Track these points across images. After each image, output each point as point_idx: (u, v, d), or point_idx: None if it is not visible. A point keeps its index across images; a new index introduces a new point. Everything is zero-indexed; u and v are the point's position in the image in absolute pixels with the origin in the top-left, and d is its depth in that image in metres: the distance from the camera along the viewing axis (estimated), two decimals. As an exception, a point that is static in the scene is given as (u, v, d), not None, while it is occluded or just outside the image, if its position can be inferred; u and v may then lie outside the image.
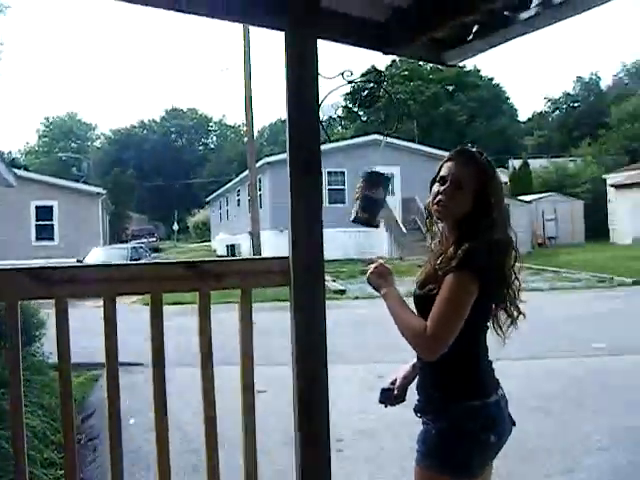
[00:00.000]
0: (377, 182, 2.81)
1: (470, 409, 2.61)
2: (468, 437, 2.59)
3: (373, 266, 2.79)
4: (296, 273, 2.53)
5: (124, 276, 2.60)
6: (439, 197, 2.70)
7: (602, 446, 6.24)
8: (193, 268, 2.58)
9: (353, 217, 2.86)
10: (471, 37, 3.03)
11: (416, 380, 2.86)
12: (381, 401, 3.01)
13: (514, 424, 2.78)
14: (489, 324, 2.75)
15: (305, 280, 2.54)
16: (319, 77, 2.60)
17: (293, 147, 2.53)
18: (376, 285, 2.78)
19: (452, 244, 2.63)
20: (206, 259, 2.91)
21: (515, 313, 2.74)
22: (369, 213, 2.82)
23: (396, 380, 3.01)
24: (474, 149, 2.77)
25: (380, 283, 2.76)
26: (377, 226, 2.86)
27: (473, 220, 2.63)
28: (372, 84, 2.74)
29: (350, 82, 2.67)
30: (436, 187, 2.74)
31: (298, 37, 2.57)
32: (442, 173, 2.74)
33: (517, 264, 2.72)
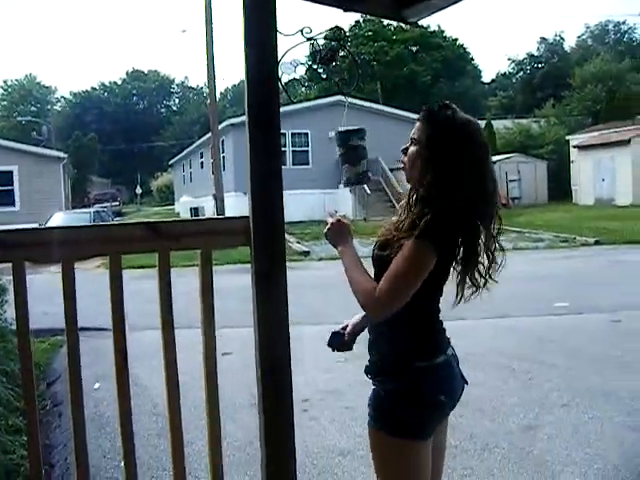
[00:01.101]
0: (353, 136, 2.77)
1: (418, 370, 2.57)
2: (417, 399, 2.55)
3: (331, 221, 2.71)
4: (256, 232, 2.50)
5: (82, 238, 2.56)
6: (401, 160, 2.67)
7: (563, 403, 6.33)
8: (152, 229, 2.54)
9: (345, 179, 2.84)
10: (432, -7, 2.99)
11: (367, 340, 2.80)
12: (329, 344, 2.98)
13: (466, 382, 2.77)
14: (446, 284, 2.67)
15: (265, 239, 2.51)
16: (278, 34, 2.55)
17: (252, 104, 2.49)
18: (333, 242, 2.71)
19: (415, 209, 2.55)
20: (165, 220, 2.88)
21: (482, 282, 2.66)
22: (360, 170, 2.79)
23: (347, 326, 2.96)
24: (443, 105, 2.60)
25: (337, 240, 2.69)
26: (369, 180, 2.81)
27: (438, 183, 2.48)
28: (332, 41, 2.68)
29: (309, 39, 2.62)
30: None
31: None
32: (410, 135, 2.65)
33: (494, 228, 2.62)
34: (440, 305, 2.72)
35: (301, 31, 2.63)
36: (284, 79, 2.65)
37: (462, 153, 2.49)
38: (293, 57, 2.66)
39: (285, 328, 2.58)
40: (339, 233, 2.71)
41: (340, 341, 2.93)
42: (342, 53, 2.89)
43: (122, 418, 2.59)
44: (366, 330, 2.81)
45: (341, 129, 2.81)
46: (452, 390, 2.67)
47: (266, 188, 2.52)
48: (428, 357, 2.60)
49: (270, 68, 2.52)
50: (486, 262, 2.63)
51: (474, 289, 2.65)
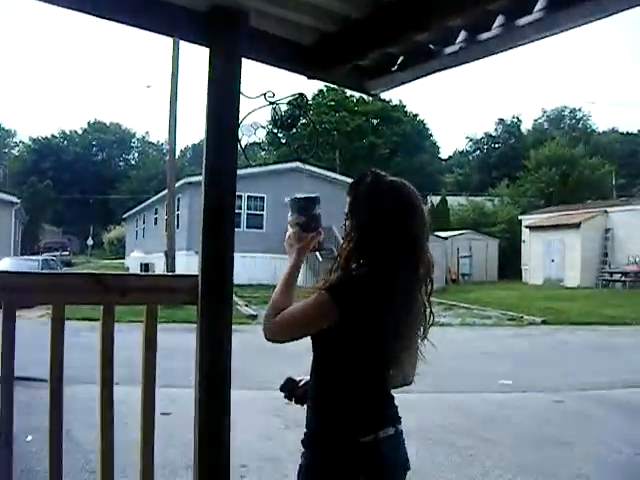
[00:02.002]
0: (302, 206, 2.75)
1: (340, 449, 2.46)
2: (334, 478, 2.47)
3: (290, 232, 2.68)
4: (204, 292, 2.47)
5: (26, 285, 2.50)
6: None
7: (503, 481, 6.31)
8: (99, 281, 2.50)
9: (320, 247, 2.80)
10: (395, 68, 3.05)
11: None
12: (281, 388, 2.81)
13: (408, 468, 2.63)
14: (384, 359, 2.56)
15: (213, 300, 2.49)
16: (241, 97, 2.56)
17: (209, 164, 2.49)
18: (288, 251, 2.68)
19: (333, 269, 2.56)
20: (112, 272, 2.84)
21: (409, 361, 2.61)
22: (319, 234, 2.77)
23: (304, 382, 2.78)
24: (367, 172, 2.59)
25: (293, 250, 2.65)
26: (323, 247, 2.77)
27: (358, 244, 2.49)
28: (294, 107, 2.70)
29: (272, 103, 2.64)
30: None
31: (222, 53, 2.53)
32: None
33: (420, 294, 2.54)
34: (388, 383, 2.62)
35: (264, 95, 2.65)
36: (243, 141, 2.66)
37: (379, 212, 2.47)
38: (254, 120, 2.67)
39: (227, 390, 2.54)
40: (299, 241, 2.65)
41: (291, 388, 2.81)
42: (303, 120, 2.90)
43: (52, 473, 2.51)
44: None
45: (299, 196, 2.78)
46: (377, 472, 2.51)
47: (217, 249, 2.51)
48: (353, 437, 2.47)
49: (231, 130, 2.54)
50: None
51: (396, 372, 2.60)
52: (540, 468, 6.69)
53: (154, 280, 2.90)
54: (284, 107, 2.75)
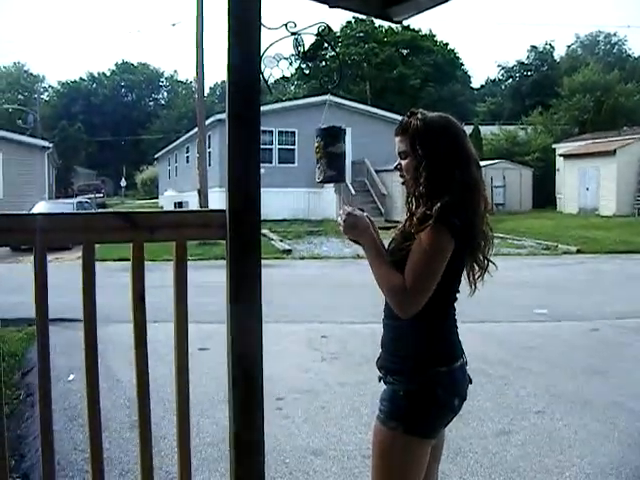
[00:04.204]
0: (336, 136, 2.74)
1: (440, 375, 2.65)
2: (436, 402, 2.65)
3: (341, 220, 2.74)
4: (232, 226, 2.46)
5: (56, 226, 2.51)
6: (400, 175, 2.77)
7: (538, 409, 6.33)
8: (128, 219, 2.51)
9: (321, 178, 2.79)
10: (419, -8, 2.97)
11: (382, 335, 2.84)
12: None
13: (471, 382, 2.84)
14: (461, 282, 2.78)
15: (241, 234, 2.48)
16: (262, 28, 2.52)
17: (233, 98, 2.46)
18: (353, 237, 2.75)
19: (420, 206, 2.63)
20: (141, 210, 2.84)
21: (485, 262, 2.81)
22: (336, 169, 2.76)
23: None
24: (410, 114, 2.75)
25: (357, 235, 2.73)
26: (344, 180, 2.78)
27: (432, 177, 2.60)
28: (316, 37, 2.66)
29: (293, 34, 2.60)
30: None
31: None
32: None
33: (485, 204, 2.73)
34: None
35: (285, 25, 2.60)
36: (266, 73, 2.63)
37: (442, 145, 2.63)
38: (276, 52, 2.63)
39: (258, 324, 2.55)
40: (354, 227, 2.72)
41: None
42: (330, 53, 2.86)
43: (90, 411, 2.55)
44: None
45: (323, 126, 2.77)
46: (464, 393, 2.77)
47: (244, 183, 2.49)
48: (447, 362, 2.70)
49: (253, 62, 2.50)
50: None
51: (480, 274, 2.81)
52: (574, 396, 6.73)
53: (182, 216, 2.89)
54: (307, 38, 2.71)
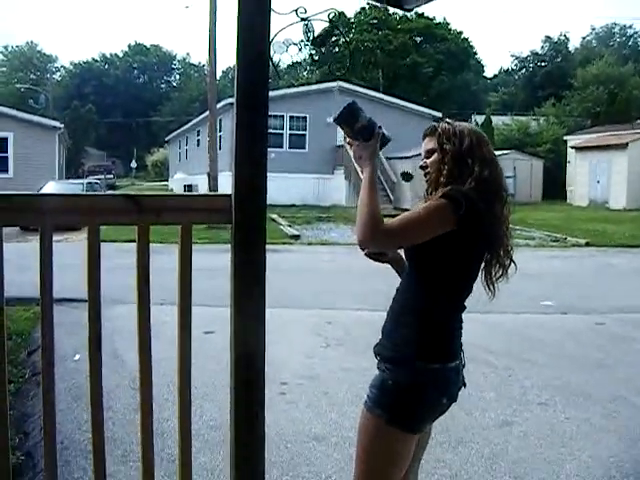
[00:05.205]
0: (353, 113, 2.70)
1: (433, 371, 2.67)
2: (424, 397, 2.66)
3: (354, 148, 2.73)
4: (238, 211, 2.47)
5: (60, 207, 2.52)
6: (423, 172, 2.85)
7: (541, 401, 6.34)
8: (132, 201, 2.51)
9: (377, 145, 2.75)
10: (431, -19, 2.96)
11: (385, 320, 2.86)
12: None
13: (464, 385, 2.86)
14: (475, 280, 2.81)
15: (247, 219, 2.48)
16: (272, 13, 2.51)
17: (241, 83, 2.45)
18: (359, 162, 2.73)
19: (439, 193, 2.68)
20: (146, 193, 2.84)
21: (507, 262, 2.81)
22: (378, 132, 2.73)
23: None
24: (439, 119, 2.93)
25: (359, 164, 2.73)
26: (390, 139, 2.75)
27: (456, 172, 2.69)
28: (327, 23, 2.65)
29: (303, 19, 2.59)
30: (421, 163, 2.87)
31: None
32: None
33: (507, 209, 2.78)
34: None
35: (295, 11, 2.60)
36: (275, 59, 2.63)
37: (467, 143, 2.73)
38: (285, 37, 2.63)
39: (262, 310, 2.55)
40: (360, 157, 2.72)
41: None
42: (335, 38, 2.85)
43: (93, 392, 2.57)
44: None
45: (338, 112, 2.73)
46: (454, 394, 2.79)
47: (251, 168, 2.49)
48: (442, 360, 2.71)
49: (262, 47, 2.49)
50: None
51: (501, 273, 2.82)
52: (578, 389, 6.73)
53: (189, 200, 2.90)
54: (318, 24, 2.70)
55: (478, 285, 2.84)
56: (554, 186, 40.94)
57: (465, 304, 2.82)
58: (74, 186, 27.72)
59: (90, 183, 30.22)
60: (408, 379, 2.65)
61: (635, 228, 24.44)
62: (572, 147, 41.37)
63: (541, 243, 21.42)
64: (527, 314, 10.52)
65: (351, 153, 2.76)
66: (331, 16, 2.63)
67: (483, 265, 2.79)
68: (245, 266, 2.51)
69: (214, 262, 8.24)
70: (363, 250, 2.78)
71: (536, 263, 15.95)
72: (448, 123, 2.81)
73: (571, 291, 12.89)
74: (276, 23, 2.53)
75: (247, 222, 2.48)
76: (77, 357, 6.86)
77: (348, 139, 2.75)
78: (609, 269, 16.29)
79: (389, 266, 3.02)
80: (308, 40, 2.67)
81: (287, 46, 2.64)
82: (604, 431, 5.60)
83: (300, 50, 3.05)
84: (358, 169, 2.77)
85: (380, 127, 2.72)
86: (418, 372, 2.65)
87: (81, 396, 5.95)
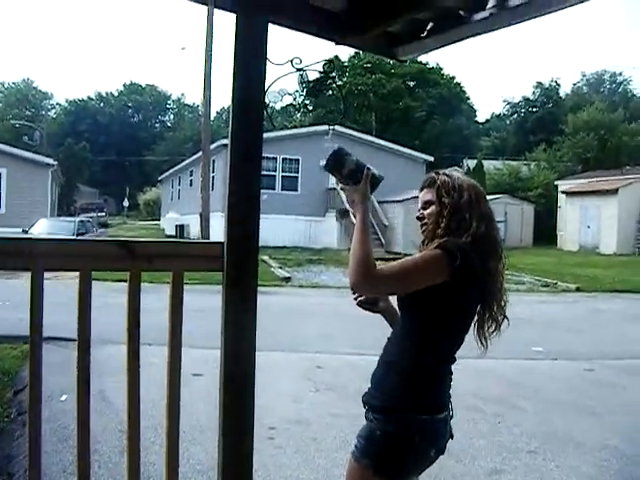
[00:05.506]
0: (339, 159, 2.71)
1: (421, 422, 2.65)
2: (412, 448, 2.64)
3: (346, 193, 2.72)
4: (229, 259, 2.48)
5: (54, 251, 2.53)
6: (419, 223, 2.86)
7: (531, 449, 6.30)
8: (126, 248, 2.52)
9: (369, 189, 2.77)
10: (425, 34, 3.01)
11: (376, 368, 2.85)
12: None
13: (452, 437, 2.84)
14: (467, 332, 2.82)
15: (238, 267, 2.50)
16: (268, 63, 2.55)
17: (235, 130, 2.49)
18: (353, 209, 2.71)
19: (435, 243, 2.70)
20: (139, 239, 2.86)
21: (500, 317, 2.83)
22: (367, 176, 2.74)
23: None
24: (437, 172, 2.91)
25: (352, 207, 2.71)
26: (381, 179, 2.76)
27: (454, 225, 2.71)
28: (321, 73, 2.69)
29: (299, 70, 2.63)
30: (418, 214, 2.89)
31: (248, 18, 2.52)
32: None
33: (502, 265, 2.80)
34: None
35: (291, 61, 2.64)
36: (271, 106, 2.66)
37: (466, 198, 2.76)
38: (280, 87, 2.66)
39: (252, 353, 2.56)
40: (352, 201, 2.71)
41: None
42: (329, 83, 2.89)
43: (80, 433, 2.56)
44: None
45: (325, 159, 2.74)
46: (442, 446, 2.77)
47: (243, 216, 2.51)
48: (431, 411, 2.70)
49: (257, 96, 2.53)
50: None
51: (494, 328, 2.83)
52: (568, 437, 6.69)
53: (180, 247, 2.91)
54: (312, 74, 2.74)
55: (471, 331, 2.86)
56: (545, 231, 41.14)
57: (455, 356, 2.82)
58: (66, 224, 27.63)
59: (82, 221, 30.12)
60: (397, 430, 2.64)
61: (625, 273, 24.53)
62: (563, 192, 41.64)
63: (531, 288, 21.44)
64: (517, 360, 10.50)
65: (344, 198, 2.77)
66: (325, 67, 2.67)
67: (476, 319, 2.80)
68: (235, 310, 2.52)
69: (204, 303, 8.23)
70: (355, 295, 2.80)
71: (526, 308, 15.95)
72: (447, 175, 2.83)
73: (561, 337, 12.90)
74: (272, 73, 2.57)
75: (239, 268, 2.49)
76: (64, 397, 6.80)
77: (340, 186, 2.77)
78: (599, 315, 16.30)
79: None
80: (303, 90, 2.71)
81: (282, 95, 2.67)
82: (593, 480, 5.57)
83: (295, 99, 3.09)
84: (351, 213, 2.77)
85: (369, 168, 2.72)
86: (407, 423, 2.64)
87: (67, 438, 5.90)
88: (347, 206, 2.78)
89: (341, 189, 2.73)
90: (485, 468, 5.78)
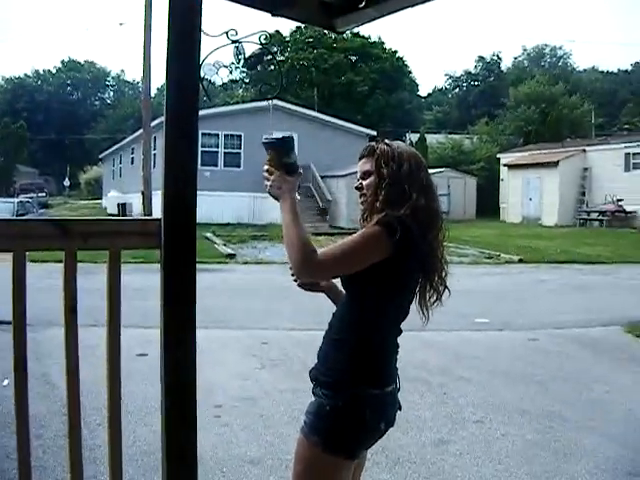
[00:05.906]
0: (290, 146, 2.68)
1: (370, 397, 2.65)
2: (361, 423, 2.63)
3: (274, 177, 2.66)
4: (167, 236, 2.43)
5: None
6: (359, 194, 2.82)
7: (477, 419, 6.38)
8: (59, 227, 2.45)
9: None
10: (363, 4, 2.96)
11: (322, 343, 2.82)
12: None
13: (400, 408, 2.85)
14: (411, 304, 2.82)
15: (176, 243, 2.45)
16: (203, 35, 2.48)
17: (171, 104, 2.42)
18: (276, 195, 2.66)
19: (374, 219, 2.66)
20: (73, 217, 2.79)
21: (441, 288, 2.82)
22: (300, 175, 2.71)
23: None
24: (377, 140, 2.86)
25: (281, 194, 2.64)
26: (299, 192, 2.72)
27: (393, 197, 2.66)
28: (259, 46, 2.63)
29: (234, 42, 2.57)
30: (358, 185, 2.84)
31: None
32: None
33: (442, 235, 2.78)
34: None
35: (226, 33, 2.57)
36: (206, 81, 2.59)
37: (406, 168, 2.71)
38: (216, 59, 2.60)
39: (192, 331, 2.51)
40: (279, 188, 2.65)
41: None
42: (269, 58, 2.83)
43: (18, 419, 2.49)
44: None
45: (277, 136, 2.68)
46: (392, 418, 2.77)
47: (180, 191, 2.46)
48: (381, 386, 2.69)
49: (192, 69, 2.46)
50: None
51: (435, 298, 2.83)
52: (512, 405, 6.80)
53: (117, 224, 2.85)
54: (249, 46, 2.68)
55: (413, 302, 2.85)
56: (488, 203, 41.65)
57: (401, 328, 2.81)
58: (5, 205, 27.09)
59: (22, 202, 29.57)
60: (347, 404, 2.62)
61: (566, 244, 24.98)
62: (505, 165, 42.15)
63: (475, 260, 21.67)
64: (463, 331, 10.62)
65: (266, 182, 2.67)
66: (262, 38, 2.61)
67: (417, 290, 2.80)
68: (174, 288, 2.48)
69: (148, 282, 8.13)
70: (296, 281, 2.77)
71: (470, 280, 16.13)
72: (387, 144, 2.79)
73: (505, 307, 13.08)
74: (207, 45, 2.51)
75: (177, 245, 2.45)
76: (5, 382, 6.67)
77: (268, 166, 2.68)
78: (541, 285, 16.55)
79: None
80: (239, 62, 2.65)
81: (217, 68, 2.61)
82: (539, 447, 5.65)
83: (231, 72, 3.03)
84: (272, 197, 2.70)
85: (301, 173, 2.71)
86: (356, 397, 2.62)
87: (10, 423, 5.78)
88: (267, 189, 2.67)
89: (267, 170, 2.65)
90: (432, 439, 5.84)
